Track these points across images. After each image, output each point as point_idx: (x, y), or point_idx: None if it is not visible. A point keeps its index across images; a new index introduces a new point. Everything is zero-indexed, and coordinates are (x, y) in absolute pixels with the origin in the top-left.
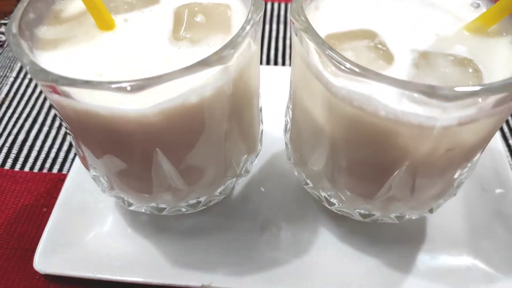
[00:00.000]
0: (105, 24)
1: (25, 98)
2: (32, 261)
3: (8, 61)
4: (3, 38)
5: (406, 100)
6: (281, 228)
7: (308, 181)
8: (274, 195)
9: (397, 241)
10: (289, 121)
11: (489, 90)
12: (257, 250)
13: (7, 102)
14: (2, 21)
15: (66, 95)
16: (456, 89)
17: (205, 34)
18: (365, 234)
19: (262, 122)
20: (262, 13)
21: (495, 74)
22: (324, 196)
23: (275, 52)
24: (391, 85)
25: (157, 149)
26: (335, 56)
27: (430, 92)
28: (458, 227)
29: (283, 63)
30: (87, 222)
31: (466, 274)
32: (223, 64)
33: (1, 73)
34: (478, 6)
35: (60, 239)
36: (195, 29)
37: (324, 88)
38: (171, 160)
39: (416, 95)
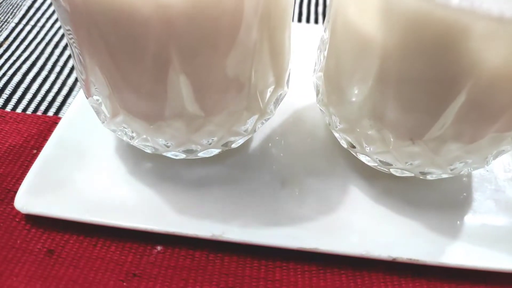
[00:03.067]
0: None
1: (26, 43)
2: (13, 202)
3: (11, 7)
4: None
5: None
6: (304, 184)
7: (342, 124)
8: (298, 148)
9: (440, 204)
10: (322, 59)
11: None
12: (276, 204)
13: (5, 46)
14: None
15: None
16: None
17: None
18: (402, 195)
19: (290, 61)
20: None
21: None
22: (362, 142)
23: (306, 19)
24: None
25: (174, 51)
26: None
27: None
28: (509, 192)
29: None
30: (81, 164)
31: None
32: None
33: (2, 18)
34: None
35: (48, 177)
36: None
37: None
38: (188, 70)
39: None
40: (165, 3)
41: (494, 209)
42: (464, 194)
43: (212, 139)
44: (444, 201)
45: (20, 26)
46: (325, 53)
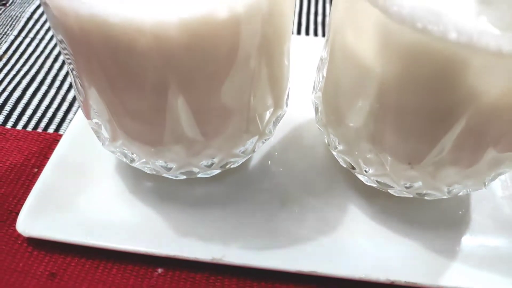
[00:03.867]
0: None
1: (25, 56)
2: (15, 224)
3: (10, 19)
4: None
5: (486, 15)
6: (304, 203)
7: (342, 146)
8: (297, 166)
9: (437, 224)
10: (321, 79)
11: None
12: (276, 224)
13: (4, 59)
14: None
15: None
16: None
17: None
18: (401, 214)
19: (289, 81)
20: None
21: None
22: (361, 164)
23: (305, 29)
24: None
25: (173, 80)
26: None
27: None
28: (506, 210)
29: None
30: (82, 184)
31: None
32: None
33: (1, 31)
34: None
35: (49, 199)
36: None
37: (379, 11)
38: (187, 97)
39: (499, 10)
40: (163, 35)
41: (492, 228)
42: (462, 212)
43: (212, 161)
44: (442, 220)
45: (20, 39)
46: (324, 72)
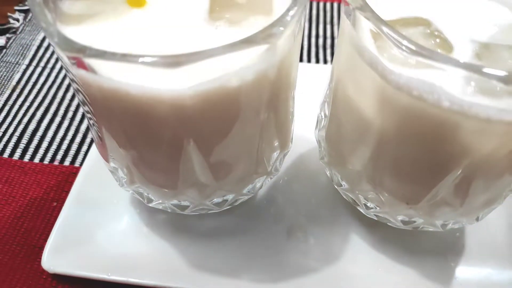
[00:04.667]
0: (136, 0)
1: (37, 86)
2: (39, 258)
3: (20, 48)
4: (17, 24)
5: (475, 89)
6: (309, 233)
7: (344, 183)
8: (302, 197)
9: (434, 251)
10: (324, 117)
11: None
12: (283, 255)
13: (18, 90)
14: (16, 8)
15: (93, 69)
16: None
17: (244, 15)
18: (400, 243)
19: (294, 120)
20: None
21: None
22: (361, 200)
23: (307, 52)
24: (462, 69)
25: (189, 137)
26: (397, 36)
27: (508, 79)
28: (499, 238)
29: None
30: (101, 219)
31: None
32: (271, 43)
33: (13, 60)
34: None
35: (70, 236)
36: (234, 8)
37: (379, 76)
38: (202, 151)
39: (487, 83)
40: (179, 104)
41: (486, 256)
42: (458, 240)
43: (223, 200)
44: (439, 248)
45: (31, 68)
46: (327, 112)
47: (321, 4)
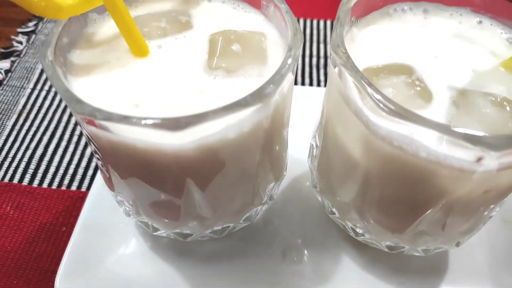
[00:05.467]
0: (139, 51)
1: (43, 110)
2: (52, 282)
3: (25, 71)
4: (20, 47)
5: (449, 143)
6: (303, 254)
7: (334, 210)
8: (296, 220)
9: (420, 272)
10: (315, 146)
11: None
12: (278, 277)
13: (24, 115)
14: (19, 30)
15: (103, 127)
16: (502, 138)
17: (240, 64)
18: (388, 263)
19: (288, 151)
20: (302, 46)
21: None
22: (351, 227)
23: (302, 72)
24: (435, 130)
25: (190, 179)
26: (378, 96)
27: (475, 139)
28: (480, 259)
29: (303, 83)
30: (108, 244)
31: None
32: (264, 102)
33: (18, 84)
34: None
35: (81, 261)
36: (231, 58)
37: (363, 125)
38: (202, 190)
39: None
40: (181, 155)
41: (469, 276)
42: (443, 261)
43: (222, 228)
44: (425, 269)
45: (36, 92)
46: (319, 143)
47: (314, 22)
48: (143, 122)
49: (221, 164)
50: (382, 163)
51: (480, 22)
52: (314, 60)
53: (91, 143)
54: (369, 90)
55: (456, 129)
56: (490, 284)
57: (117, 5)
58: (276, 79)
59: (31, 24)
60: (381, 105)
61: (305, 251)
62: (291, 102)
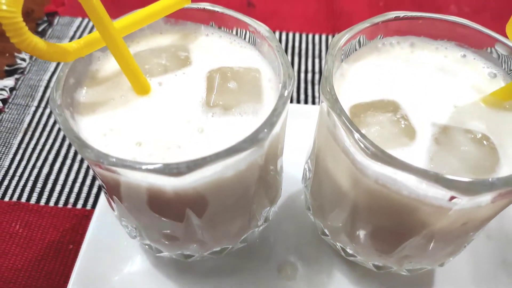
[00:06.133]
0: (142, 89)
1: (47, 129)
2: None
3: (29, 89)
4: (24, 64)
5: (427, 184)
6: (297, 270)
7: (326, 232)
8: (291, 237)
9: (407, 286)
10: (308, 170)
11: (506, 183)
12: None
13: (29, 133)
14: None
15: (109, 170)
16: (472, 183)
17: (236, 102)
18: (378, 279)
19: (282, 172)
20: (295, 84)
21: (509, 150)
22: (341, 247)
23: (297, 89)
24: (411, 173)
25: (189, 210)
26: (363, 140)
27: (449, 185)
28: (464, 274)
29: (298, 99)
30: (114, 262)
31: None
32: (259, 145)
33: (23, 102)
34: (495, 76)
35: (88, 279)
36: (227, 96)
37: (350, 162)
38: (201, 218)
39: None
40: (181, 192)
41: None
42: (429, 278)
43: (221, 249)
44: (411, 284)
45: (40, 110)
46: (311, 167)
47: (310, 37)
48: (146, 167)
49: (219, 198)
50: (368, 197)
51: (464, 56)
52: (310, 75)
53: (97, 178)
54: (356, 135)
55: (429, 173)
56: None
57: (119, 48)
58: (269, 124)
59: None
60: (365, 149)
61: (299, 267)
62: (284, 135)
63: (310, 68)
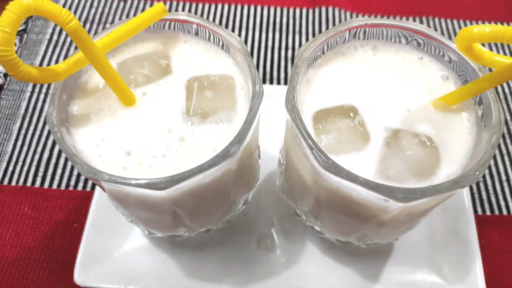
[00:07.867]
0: (127, 100)
1: (44, 114)
2: (71, 273)
3: None
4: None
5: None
6: (274, 241)
7: (298, 211)
8: (269, 213)
9: (369, 255)
10: (281, 157)
11: (437, 190)
12: (255, 264)
13: (27, 118)
14: None
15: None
16: (408, 194)
17: (212, 110)
18: (343, 249)
19: (260, 158)
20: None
21: (450, 150)
22: (310, 225)
23: (270, 65)
24: (353, 182)
25: (177, 208)
26: (319, 154)
27: (389, 194)
28: (420, 242)
29: (278, 78)
30: (115, 239)
31: (423, 283)
32: (231, 158)
33: (18, 88)
34: (447, 78)
35: (93, 255)
36: (204, 104)
37: (310, 165)
38: (187, 213)
39: None
40: (168, 198)
41: (410, 257)
42: (388, 247)
43: (206, 229)
44: (373, 252)
45: (35, 95)
46: (283, 159)
47: (291, 11)
48: (134, 182)
49: (201, 197)
50: (327, 194)
51: (421, 58)
52: (290, 52)
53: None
54: (314, 151)
55: (370, 183)
56: (427, 265)
57: (102, 65)
58: (237, 140)
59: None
60: (320, 162)
61: (276, 239)
62: (258, 135)
63: (290, 44)
